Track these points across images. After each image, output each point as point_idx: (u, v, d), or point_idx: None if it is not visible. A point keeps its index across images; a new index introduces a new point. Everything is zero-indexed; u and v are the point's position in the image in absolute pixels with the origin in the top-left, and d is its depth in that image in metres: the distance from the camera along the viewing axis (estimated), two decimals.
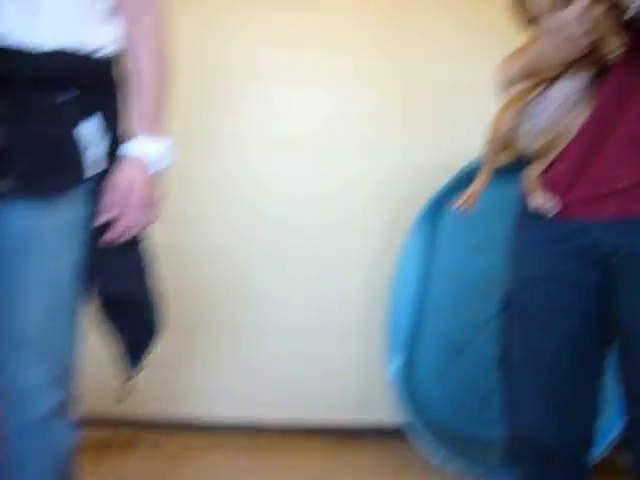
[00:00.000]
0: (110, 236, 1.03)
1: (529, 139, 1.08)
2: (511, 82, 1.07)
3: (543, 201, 1.08)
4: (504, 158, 1.14)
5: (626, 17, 0.92)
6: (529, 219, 1.12)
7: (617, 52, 0.94)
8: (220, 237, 2.21)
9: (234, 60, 2.16)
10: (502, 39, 1.19)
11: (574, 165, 1.06)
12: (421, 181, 2.14)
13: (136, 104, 1.05)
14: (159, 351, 1.13)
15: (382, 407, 2.18)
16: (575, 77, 1.04)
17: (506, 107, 1.08)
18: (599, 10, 0.92)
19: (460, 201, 1.13)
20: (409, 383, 2.08)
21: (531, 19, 1.03)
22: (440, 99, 2.18)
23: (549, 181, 1.09)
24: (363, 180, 2.22)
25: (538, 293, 1.10)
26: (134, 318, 1.08)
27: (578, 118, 1.04)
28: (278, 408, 2.23)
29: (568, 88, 1.04)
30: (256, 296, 2.23)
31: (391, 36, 2.18)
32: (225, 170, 2.20)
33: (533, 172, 1.12)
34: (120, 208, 1.02)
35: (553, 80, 1.05)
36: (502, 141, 1.10)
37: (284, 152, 2.20)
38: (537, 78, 1.06)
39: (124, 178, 1.02)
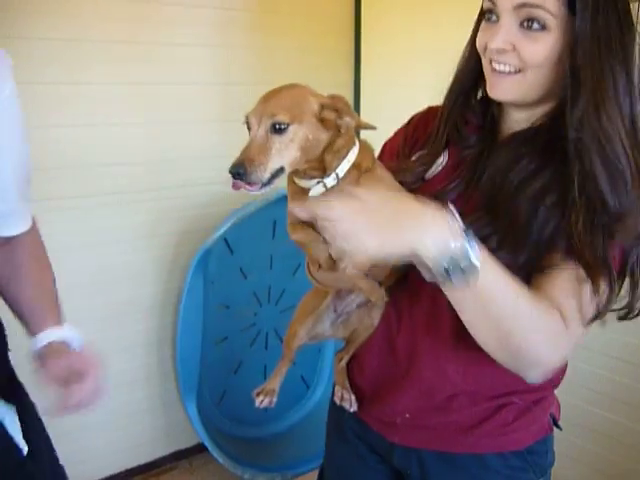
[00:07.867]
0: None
1: (332, 331, 1.10)
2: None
3: (345, 400, 1.11)
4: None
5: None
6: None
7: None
8: None
9: None
10: None
11: (375, 378, 1.09)
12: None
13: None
14: None
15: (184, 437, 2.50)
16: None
17: (298, 321, 1.09)
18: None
19: (261, 397, 1.11)
20: (202, 412, 2.27)
21: None
22: None
23: (358, 383, 1.12)
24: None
25: (345, 472, 1.18)
26: None
27: (374, 320, 1.06)
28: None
29: (358, 299, 1.06)
30: None
31: None
32: None
33: (341, 362, 1.14)
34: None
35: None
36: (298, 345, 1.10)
37: None
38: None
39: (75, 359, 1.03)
